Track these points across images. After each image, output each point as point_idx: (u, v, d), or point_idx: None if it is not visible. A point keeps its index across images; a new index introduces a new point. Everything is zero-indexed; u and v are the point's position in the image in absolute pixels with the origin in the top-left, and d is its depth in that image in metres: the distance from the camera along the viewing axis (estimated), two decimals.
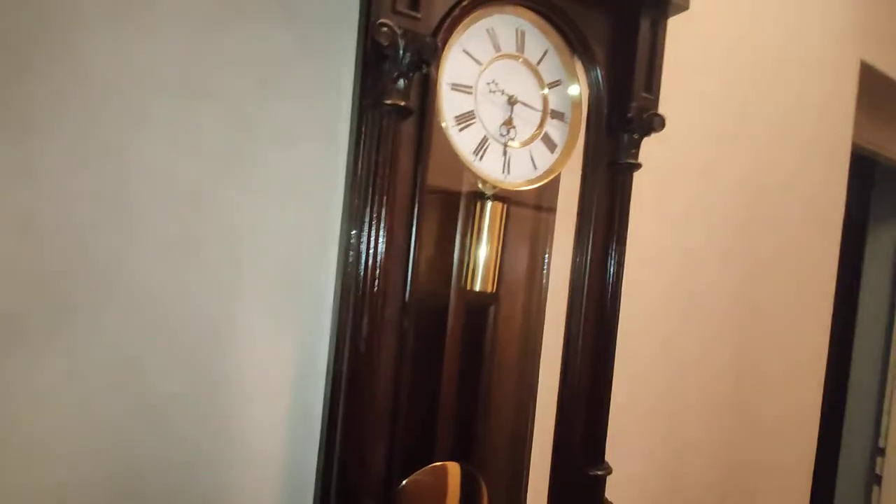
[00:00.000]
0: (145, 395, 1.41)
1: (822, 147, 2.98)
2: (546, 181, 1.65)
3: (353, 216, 1.28)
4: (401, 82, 1.23)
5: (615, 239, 1.69)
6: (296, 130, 1.51)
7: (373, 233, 1.27)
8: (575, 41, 1.60)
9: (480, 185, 1.58)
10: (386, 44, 1.17)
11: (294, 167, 1.52)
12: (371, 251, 1.26)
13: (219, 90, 1.45)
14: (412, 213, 1.31)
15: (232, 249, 1.48)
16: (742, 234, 2.59)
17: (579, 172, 1.72)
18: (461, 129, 1.48)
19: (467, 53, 1.48)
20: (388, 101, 1.22)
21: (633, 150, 1.67)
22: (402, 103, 1.25)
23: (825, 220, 3.05)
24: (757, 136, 2.61)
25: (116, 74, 1.34)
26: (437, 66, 1.39)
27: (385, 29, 1.18)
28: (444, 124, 1.44)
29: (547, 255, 1.83)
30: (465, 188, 1.62)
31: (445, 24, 1.35)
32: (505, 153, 1.57)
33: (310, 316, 1.55)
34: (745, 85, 2.52)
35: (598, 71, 1.64)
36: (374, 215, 1.26)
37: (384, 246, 1.26)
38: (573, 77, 1.68)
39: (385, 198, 1.26)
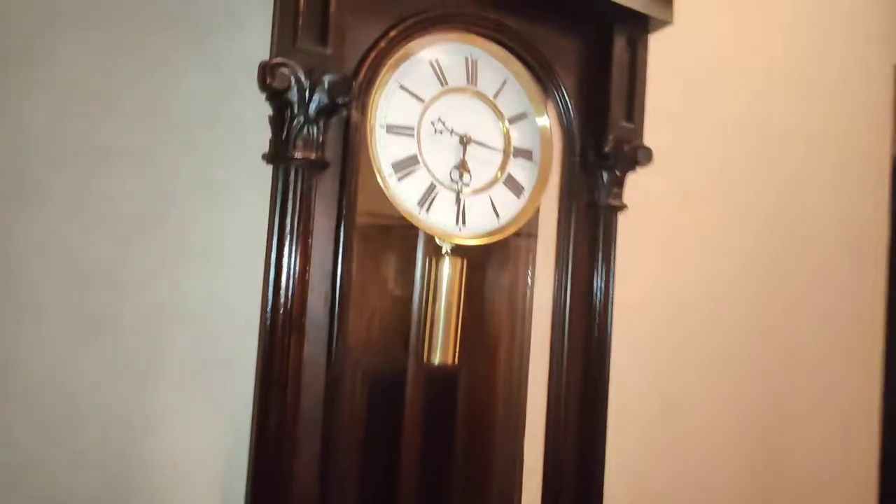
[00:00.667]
0: (46, 498, 1.22)
1: (857, 161, 2.63)
2: (512, 231, 1.42)
3: (270, 284, 1.08)
4: (311, 130, 1.03)
5: (602, 290, 1.43)
6: (219, 189, 1.31)
7: (289, 302, 1.06)
8: (538, 68, 1.36)
9: (438, 240, 1.36)
10: (281, 87, 0.97)
11: (216, 231, 1.31)
12: (285, 324, 1.05)
13: (129, 150, 1.28)
14: (334, 282, 1.10)
15: (146, 327, 1.29)
16: (767, 266, 2.28)
17: (555, 217, 1.49)
18: (402, 178, 1.24)
19: (406, 90, 1.26)
20: (294, 155, 1.03)
21: (616, 189, 1.42)
22: (313, 156, 1.05)
23: (866, 243, 2.68)
24: (780, 155, 2.29)
25: (5, 146, 1.20)
26: (366, 108, 1.19)
27: (282, 69, 0.98)
28: (378, 174, 1.24)
29: (528, 294, 1.58)
30: (421, 242, 1.41)
31: (370, 59, 1.13)
32: (458, 202, 1.33)
33: (235, 398, 1.33)
34: (758, 100, 2.24)
35: (568, 100, 1.39)
36: (291, 282, 1.06)
37: (296, 318, 1.05)
38: (540, 109, 1.44)
39: (299, 265, 1.05)
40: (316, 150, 1.03)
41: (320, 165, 1.05)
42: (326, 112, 1.04)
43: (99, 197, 1.22)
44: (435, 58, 1.29)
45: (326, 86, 1.01)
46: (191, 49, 1.27)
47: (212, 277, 1.29)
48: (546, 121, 1.42)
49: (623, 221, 1.46)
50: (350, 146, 1.11)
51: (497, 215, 1.37)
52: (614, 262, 1.45)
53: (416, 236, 1.35)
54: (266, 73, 0.96)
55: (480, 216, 1.35)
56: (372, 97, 1.19)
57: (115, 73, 1.23)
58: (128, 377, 1.25)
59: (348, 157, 1.11)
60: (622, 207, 1.40)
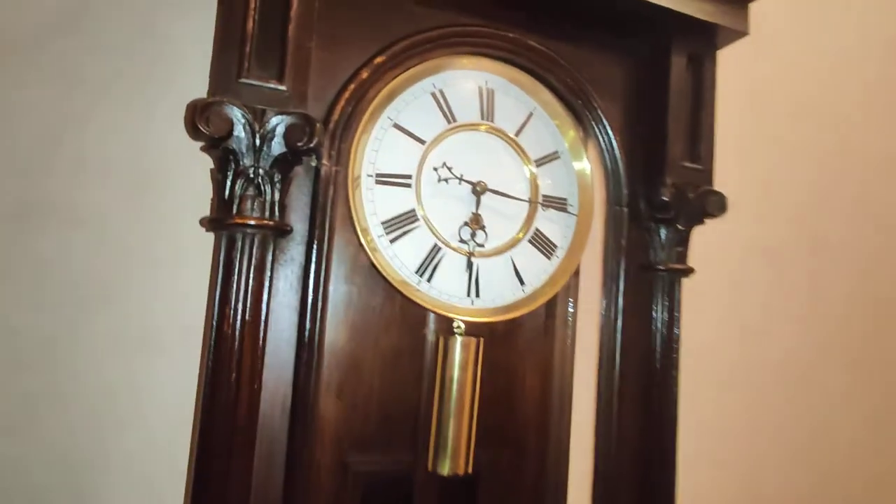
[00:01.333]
0: None
1: None
2: (541, 303, 1.13)
3: (205, 387, 0.83)
4: (264, 187, 0.79)
5: (662, 370, 1.10)
6: (160, 260, 1.04)
7: (233, 414, 0.80)
8: (573, 97, 1.06)
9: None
10: (219, 134, 0.74)
11: (155, 313, 1.05)
12: (223, 449, 0.79)
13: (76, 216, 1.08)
14: (297, 383, 0.83)
15: (92, 408, 1.07)
16: (862, 333, 1.83)
17: (598, 280, 1.19)
18: (396, 239, 0.96)
19: (401, 129, 0.98)
20: (240, 220, 0.79)
21: (679, 249, 1.09)
22: (268, 220, 0.80)
23: None
24: (878, 196, 1.88)
25: None
26: (345, 154, 0.90)
27: (219, 110, 0.75)
28: (363, 236, 0.95)
29: (566, 374, 1.26)
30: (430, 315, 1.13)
31: (348, 93, 0.87)
32: (470, 266, 1.05)
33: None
34: (851, 128, 1.85)
35: (612, 136, 1.11)
36: (233, 385, 0.81)
37: (241, 433, 0.79)
38: (576, 147, 1.14)
39: (246, 362, 0.80)
40: (272, 212, 0.79)
41: (278, 231, 0.81)
42: (285, 163, 0.79)
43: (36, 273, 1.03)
44: (438, 88, 1.03)
45: (283, 130, 0.78)
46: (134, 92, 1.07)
47: (146, 370, 1.03)
48: (584, 162, 1.13)
49: (686, 283, 1.14)
50: (322, 204, 0.85)
51: (521, 282, 1.08)
52: (678, 337, 1.13)
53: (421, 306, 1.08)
54: (197, 116, 0.73)
55: (500, 284, 1.06)
56: (354, 140, 0.93)
57: (57, 127, 1.06)
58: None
59: (319, 218, 0.85)
60: (687, 272, 1.08)
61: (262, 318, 0.77)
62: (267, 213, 0.77)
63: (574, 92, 1.07)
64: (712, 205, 1.03)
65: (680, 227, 1.03)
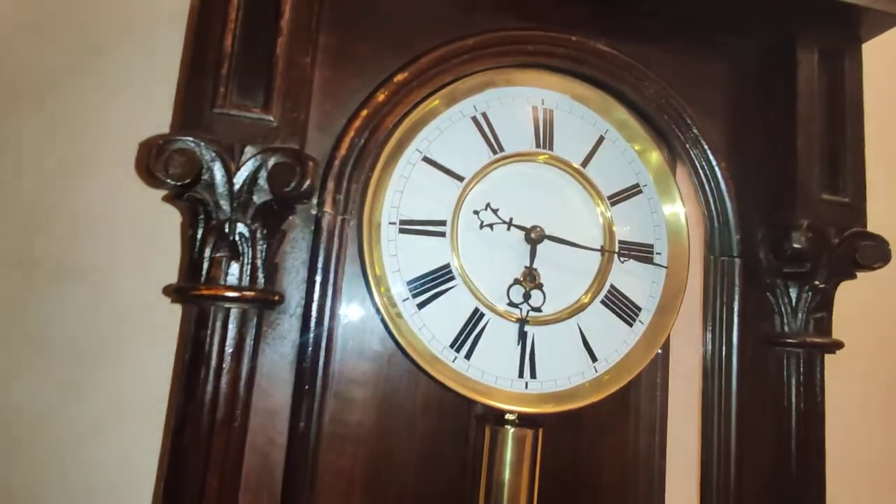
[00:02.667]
0: None
1: None
2: (622, 385, 0.86)
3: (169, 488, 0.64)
4: (243, 245, 0.62)
5: (795, 469, 0.79)
6: (123, 336, 0.82)
7: None
8: (657, 113, 0.79)
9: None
10: (180, 181, 0.55)
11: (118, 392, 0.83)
12: None
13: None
14: (289, 482, 0.64)
15: None
16: None
17: (698, 353, 0.90)
18: (424, 303, 0.73)
19: (432, 163, 0.76)
20: (209, 289, 0.61)
21: (819, 314, 0.79)
22: (248, 288, 0.61)
23: None
24: None
25: None
26: (354, 197, 0.69)
27: (181, 151, 0.58)
28: (382, 300, 0.71)
29: (657, 468, 0.97)
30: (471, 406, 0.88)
31: (360, 120, 0.66)
32: (523, 337, 0.80)
33: None
34: None
35: (714, 162, 0.84)
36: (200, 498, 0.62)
37: None
38: (664, 179, 0.85)
39: (211, 470, 0.61)
40: (253, 277, 0.61)
41: (264, 303, 0.63)
42: (271, 214, 0.61)
43: None
44: (481, 111, 0.81)
45: (266, 172, 0.60)
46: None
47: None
48: (675, 198, 0.86)
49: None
50: (324, 262, 0.66)
51: (593, 357, 0.82)
52: (821, 439, 0.81)
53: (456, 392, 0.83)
54: (152, 159, 0.57)
55: (563, 360, 0.80)
56: (373, 180, 0.72)
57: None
58: None
59: (321, 281, 0.67)
60: (833, 347, 0.77)
61: (237, 420, 0.58)
62: (247, 280, 0.59)
63: (660, 107, 0.82)
64: (867, 253, 0.73)
65: (820, 284, 0.73)
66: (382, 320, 0.72)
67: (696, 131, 0.78)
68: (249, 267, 0.58)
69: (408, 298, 0.74)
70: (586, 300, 0.80)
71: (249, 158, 0.58)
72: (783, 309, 0.75)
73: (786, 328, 0.75)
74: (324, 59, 0.67)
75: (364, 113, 0.67)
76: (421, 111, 0.76)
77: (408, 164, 0.76)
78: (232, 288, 0.58)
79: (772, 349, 0.77)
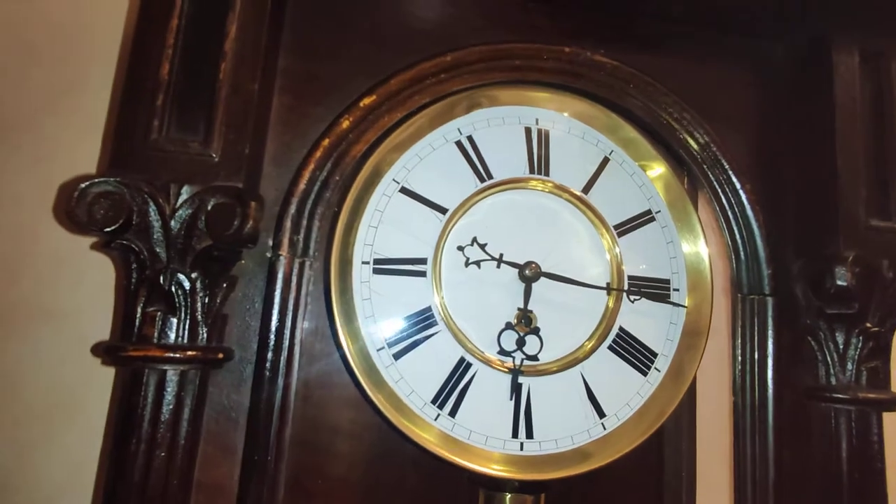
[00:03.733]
0: None
1: None
2: (633, 447, 0.74)
3: None
4: (179, 297, 0.55)
5: None
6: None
7: None
8: (674, 132, 0.70)
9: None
10: (107, 227, 0.48)
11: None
12: None
13: None
14: None
15: None
16: None
17: (725, 404, 0.77)
18: (402, 353, 0.63)
19: (411, 194, 0.67)
20: (140, 349, 0.53)
21: (873, 363, 0.66)
22: (189, 350, 0.51)
23: None
24: None
25: None
26: (329, 236, 0.61)
27: (106, 194, 0.51)
28: (352, 351, 0.61)
29: None
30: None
31: (323, 148, 0.58)
32: (517, 390, 0.67)
33: None
34: None
35: (737, 185, 0.71)
36: None
37: None
38: (680, 204, 0.74)
39: None
40: (193, 334, 0.53)
41: (206, 362, 0.56)
42: (213, 261, 0.55)
43: None
44: (466, 135, 0.70)
45: (205, 214, 0.53)
46: None
47: None
48: (694, 226, 0.75)
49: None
50: (279, 312, 0.59)
51: (600, 412, 0.70)
52: (876, 497, 0.68)
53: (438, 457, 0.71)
54: (74, 203, 0.51)
55: (564, 416, 0.68)
56: (342, 216, 0.63)
57: None
58: None
59: (273, 331, 0.59)
60: (893, 404, 0.65)
61: (175, 500, 0.51)
62: (185, 337, 0.51)
63: (672, 124, 0.72)
64: None
65: (872, 327, 0.60)
66: (352, 373, 0.63)
67: (715, 150, 0.67)
68: (188, 321, 0.51)
69: (383, 347, 0.65)
70: (591, 346, 0.69)
71: (187, 199, 0.51)
72: (828, 357, 0.63)
73: (832, 380, 0.62)
74: (284, 85, 0.60)
75: (325, 142, 0.59)
76: (397, 137, 0.68)
77: (383, 197, 0.68)
78: (167, 347, 0.50)
79: (816, 405, 0.64)
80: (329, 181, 0.59)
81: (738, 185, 0.66)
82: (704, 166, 0.68)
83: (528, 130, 0.73)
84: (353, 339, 0.63)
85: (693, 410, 0.77)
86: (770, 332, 0.64)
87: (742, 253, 0.66)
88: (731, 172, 0.67)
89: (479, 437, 0.65)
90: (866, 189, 0.63)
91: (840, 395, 0.61)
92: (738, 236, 0.66)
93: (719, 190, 0.67)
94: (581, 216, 0.72)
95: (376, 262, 0.66)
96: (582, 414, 0.68)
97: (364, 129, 0.60)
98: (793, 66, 0.70)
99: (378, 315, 0.65)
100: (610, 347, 0.70)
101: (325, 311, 0.62)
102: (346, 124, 0.60)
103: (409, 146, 0.69)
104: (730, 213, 0.66)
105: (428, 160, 0.69)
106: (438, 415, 0.65)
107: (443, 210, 0.68)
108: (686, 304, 0.72)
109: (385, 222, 0.67)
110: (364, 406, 0.62)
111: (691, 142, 0.68)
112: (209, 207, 0.50)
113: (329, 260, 0.64)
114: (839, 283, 0.60)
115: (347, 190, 0.65)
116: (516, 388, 0.66)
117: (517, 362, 0.66)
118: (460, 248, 0.68)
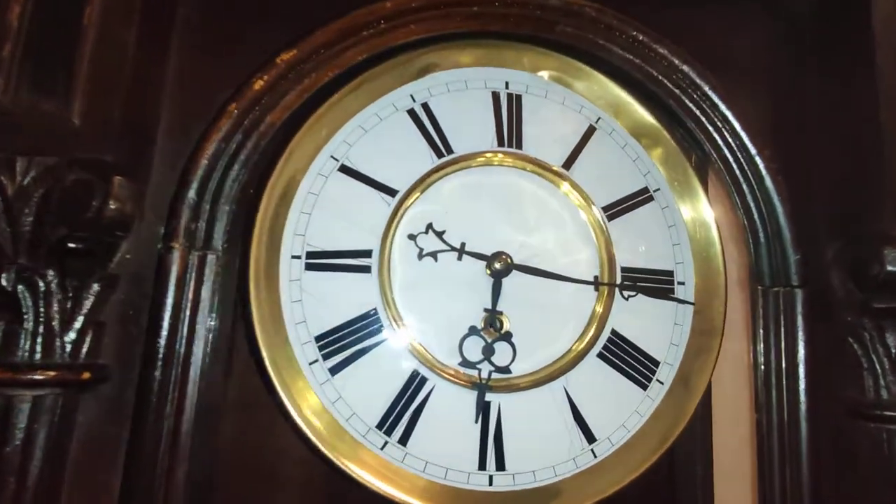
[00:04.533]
0: None
1: None
2: (633, 478, 0.61)
3: None
4: (25, 310, 0.43)
5: None
6: None
7: None
8: (671, 93, 0.57)
9: None
10: None
11: None
12: None
13: None
14: None
15: None
16: None
17: (747, 432, 0.63)
18: (339, 366, 0.51)
19: (352, 173, 0.54)
20: None
21: None
22: (47, 371, 0.37)
23: None
24: None
25: None
26: (246, 225, 0.50)
27: None
28: (275, 365, 0.49)
29: None
30: None
31: (231, 114, 0.46)
32: (484, 409, 0.53)
33: None
34: None
35: (755, 152, 0.58)
36: None
37: None
38: (684, 180, 0.61)
39: None
40: (50, 347, 0.42)
41: (66, 384, 0.44)
42: (77, 256, 0.44)
43: None
44: (421, 101, 0.58)
45: (58, 195, 0.42)
46: None
47: None
48: (703, 207, 0.63)
49: None
50: (169, 317, 0.47)
51: (589, 436, 0.55)
52: None
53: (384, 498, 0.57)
54: None
55: (544, 441, 0.53)
56: (264, 200, 0.51)
57: None
58: None
59: (163, 343, 0.47)
60: None
61: None
62: (37, 353, 0.41)
63: (673, 82, 0.60)
64: None
65: None
66: (275, 393, 0.52)
67: (724, 109, 0.54)
68: (43, 333, 0.40)
69: (316, 361, 0.53)
70: (577, 354, 0.57)
71: (39, 175, 0.40)
72: (876, 363, 0.49)
73: (883, 392, 0.49)
74: (183, 39, 0.49)
75: (233, 108, 0.47)
76: (334, 104, 0.57)
77: (318, 177, 0.56)
78: (12, 367, 0.39)
79: (862, 425, 0.50)
80: (238, 156, 0.48)
81: (753, 151, 0.53)
82: (711, 129, 0.55)
83: (495, 96, 0.60)
84: (278, 352, 0.52)
85: (708, 431, 0.64)
86: (800, 334, 0.51)
87: (761, 235, 0.53)
88: (744, 136, 0.54)
89: (438, 469, 0.53)
90: None
91: (893, 413, 0.48)
92: (755, 214, 0.53)
93: (730, 158, 0.54)
94: (562, 197, 0.59)
95: (310, 255, 0.54)
96: (566, 439, 0.55)
97: (283, 91, 0.49)
98: (820, 6, 0.57)
99: (311, 321, 0.53)
100: (600, 356, 0.57)
101: (239, 317, 0.51)
102: (259, 85, 0.48)
103: (351, 116, 0.57)
104: (744, 185, 0.53)
105: (374, 133, 0.57)
106: (386, 442, 0.53)
107: (392, 192, 0.56)
108: (693, 301, 0.59)
109: (321, 208, 0.55)
110: (291, 436, 0.51)
111: (695, 102, 0.55)
112: (60, 187, 0.39)
113: (247, 254, 0.52)
114: (889, 268, 0.46)
115: (271, 168, 0.54)
116: (483, 408, 0.54)
117: (484, 375, 0.54)
118: (412, 238, 0.56)
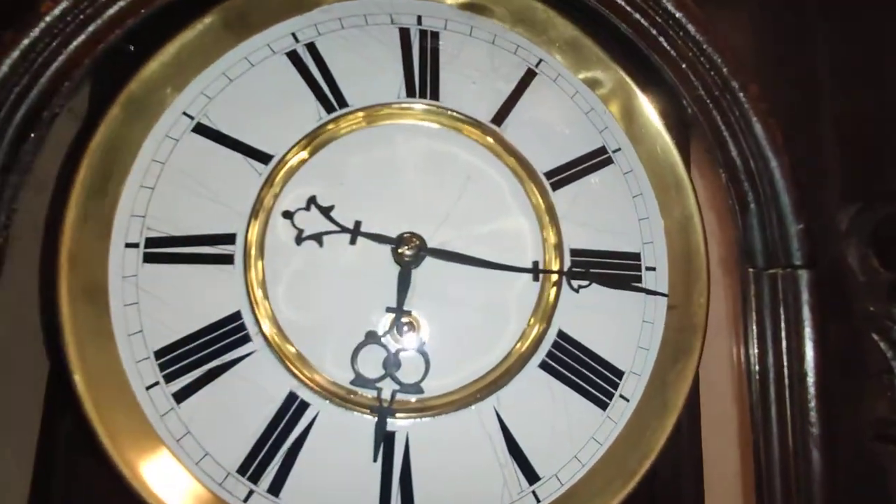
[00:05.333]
0: None
1: None
2: None
3: None
4: None
5: None
6: None
7: None
8: (623, 16, 0.45)
9: None
10: None
11: None
12: None
13: None
14: None
15: None
16: None
17: (741, 453, 0.50)
18: (188, 391, 0.37)
19: (212, 134, 0.40)
20: None
21: None
22: None
23: None
24: None
25: None
26: (51, 202, 0.38)
27: None
28: (94, 386, 0.35)
29: None
30: None
31: (10, 48, 0.39)
32: (386, 442, 0.39)
33: None
34: None
35: (737, 87, 0.47)
36: None
37: None
38: (651, 137, 0.48)
39: None
40: None
41: None
42: None
43: None
44: (306, 40, 0.45)
45: None
46: None
47: None
48: (681, 177, 0.51)
49: None
50: None
51: (529, 473, 0.41)
52: None
53: None
54: None
55: (467, 482, 0.41)
56: (82, 171, 0.37)
57: None
58: None
59: None
60: None
61: None
62: None
63: (639, 10, 0.47)
64: None
65: None
66: (93, 434, 0.39)
67: (698, 36, 0.42)
68: None
69: (156, 384, 0.40)
70: (512, 364, 0.44)
71: None
72: None
73: None
74: None
75: (10, 38, 0.35)
76: (188, 43, 0.45)
77: (166, 140, 0.43)
78: None
79: (893, 450, 0.38)
80: (19, 107, 0.35)
81: (735, 87, 0.40)
82: (683, 64, 0.42)
83: (404, 34, 0.47)
84: (104, 371, 0.39)
85: (697, 457, 0.51)
86: (808, 331, 0.38)
87: (751, 198, 0.39)
88: (725, 70, 0.41)
89: None
90: None
91: None
92: (741, 171, 0.40)
93: (708, 99, 0.41)
94: (491, 160, 0.47)
95: (150, 243, 0.41)
96: (499, 478, 0.41)
97: (93, 16, 0.36)
98: None
99: (150, 330, 0.40)
100: (544, 366, 0.44)
101: (37, 328, 0.38)
102: (53, 7, 0.35)
103: (211, 60, 0.44)
104: (726, 133, 0.40)
105: (242, 82, 0.44)
106: (251, 492, 0.39)
107: (264, 157, 0.43)
108: (667, 292, 0.46)
109: (168, 180, 0.42)
110: (120, 489, 0.37)
111: (659, 27, 0.42)
112: None
113: (59, 242, 0.40)
114: None
115: (93, 132, 0.41)
116: (385, 440, 0.41)
117: (386, 397, 0.41)
118: (288, 216, 0.43)
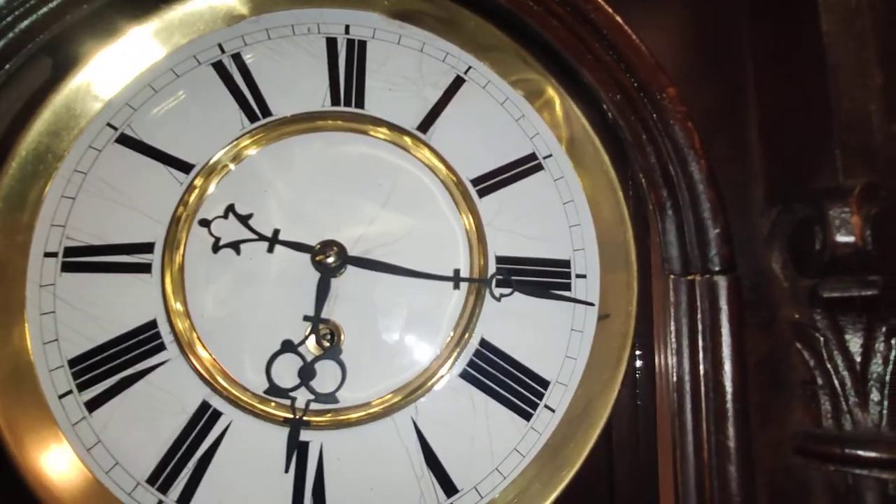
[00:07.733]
0: None
1: None
2: None
3: None
4: None
5: None
6: None
7: None
8: (542, 21, 0.45)
9: None
10: None
11: None
12: None
13: None
14: None
15: None
16: None
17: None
18: (100, 400, 0.37)
19: (135, 144, 0.41)
20: None
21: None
22: None
23: None
24: None
25: None
26: None
27: None
28: (6, 397, 0.36)
29: None
30: None
31: None
32: (299, 453, 0.39)
33: None
34: None
35: (660, 96, 0.47)
36: None
37: None
38: (583, 144, 0.47)
39: None
40: None
41: None
42: None
43: None
44: (232, 51, 0.45)
45: None
46: None
47: None
48: (612, 183, 0.49)
49: None
50: None
51: (447, 486, 0.39)
52: None
53: None
54: None
55: (383, 496, 0.40)
56: (5, 179, 0.42)
57: None
58: None
59: None
60: None
61: None
62: None
63: (556, 16, 0.47)
64: None
65: None
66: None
67: (613, 37, 0.41)
68: None
69: (69, 393, 0.40)
70: (431, 374, 0.43)
71: None
72: (836, 379, 0.35)
73: (845, 422, 0.34)
74: None
75: None
76: (109, 52, 0.45)
77: (88, 150, 0.44)
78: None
79: (818, 467, 0.36)
80: None
81: (653, 90, 0.39)
82: (601, 68, 0.41)
83: (331, 43, 0.47)
84: (12, 383, 0.39)
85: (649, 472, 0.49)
86: (726, 339, 0.37)
87: (668, 203, 0.39)
88: (642, 73, 0.40)
89: None
90: (883, 73, 0.36)
91: (860, 453, 0.33)
92: (658, 174, 0.39)
93: (626, 102, 0.40)
94: (417, 167, 0.46)
95: (69, 252, 0.41)
96: (415, 491, 0.41)
97: (36, 30, 0.37)
98: None
99: (65, 339, 0.40)
100: (465, 375, 0.43)
101: None
102: None
103: (136, 71, 0.45)
104: (644, 136, 0.40)
105: (167, 93, 0.45)
106: (160, 503, 0.39)
107: (185, 167, 0.44)
108: (597, 301, 0.45)
109: (89, 190, 0.42)
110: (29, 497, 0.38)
111: (576, 31, 0.42)
112: None
113: None
114: (839, 238, 0.32)
115: (17, 140, 0.42)
116: (297, 451, 0.40)
117: (300, 407, 0.41)
118: (205, 224, 0.43)
